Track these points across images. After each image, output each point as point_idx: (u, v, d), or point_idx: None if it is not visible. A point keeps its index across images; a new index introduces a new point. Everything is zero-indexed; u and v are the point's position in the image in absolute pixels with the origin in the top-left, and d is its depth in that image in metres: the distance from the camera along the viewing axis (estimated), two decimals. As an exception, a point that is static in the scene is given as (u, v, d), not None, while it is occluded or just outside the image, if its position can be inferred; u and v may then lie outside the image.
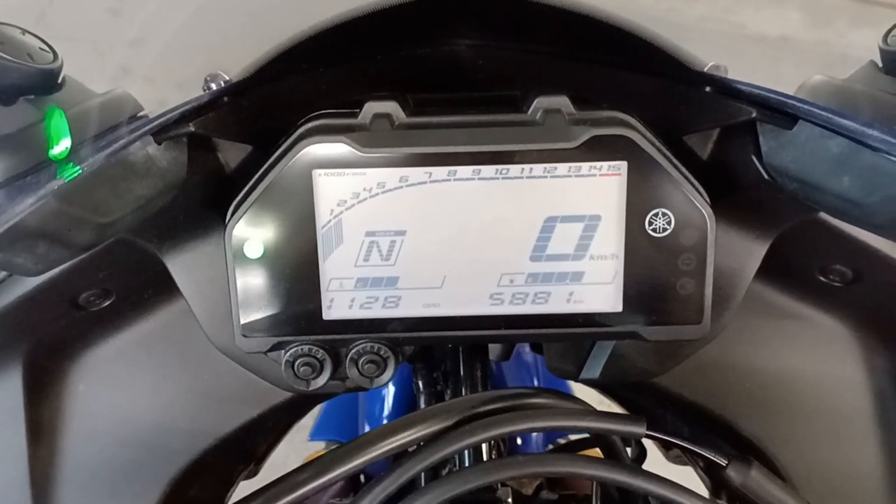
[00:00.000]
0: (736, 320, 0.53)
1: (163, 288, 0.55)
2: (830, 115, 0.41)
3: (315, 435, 1.13)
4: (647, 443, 0.68)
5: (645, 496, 0.58)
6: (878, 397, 0.57)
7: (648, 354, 0.54)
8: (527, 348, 0.99)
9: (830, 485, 0.57)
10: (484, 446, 0.68)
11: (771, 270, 0.54)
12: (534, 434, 0.99)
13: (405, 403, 1.04)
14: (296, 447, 1.08)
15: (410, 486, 0.51)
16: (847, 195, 0.41)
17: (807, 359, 0.58)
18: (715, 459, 0.52)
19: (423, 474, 0.55)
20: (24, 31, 0.44)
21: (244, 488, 0.69)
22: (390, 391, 1.06)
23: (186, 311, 0.54)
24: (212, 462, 0.58)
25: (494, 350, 0.75)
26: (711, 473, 0.60)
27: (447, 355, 0.75)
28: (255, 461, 0.67)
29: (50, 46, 0.44)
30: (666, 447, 0.68)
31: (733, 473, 0.52)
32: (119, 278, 0.55)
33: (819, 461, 0.57)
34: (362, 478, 1.00)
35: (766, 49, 2.72)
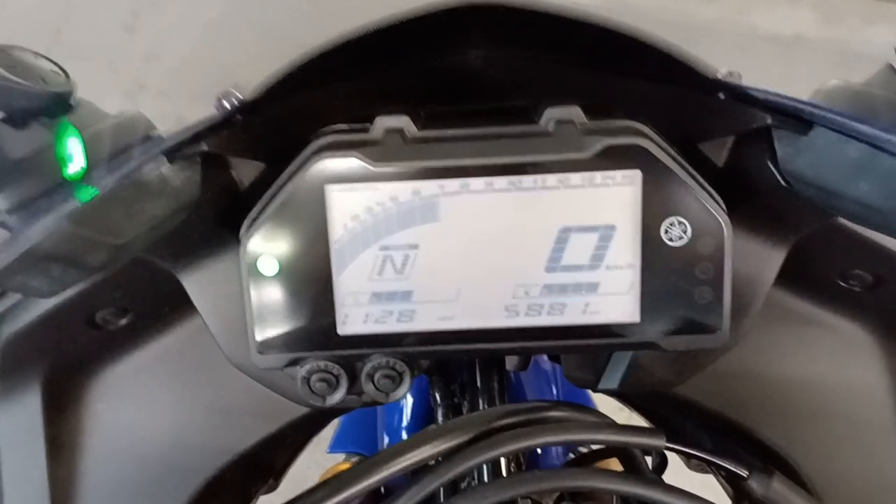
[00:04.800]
0: (755, 328, 0.52)
1: (179, 305, 0.56)
2: (847, 120, 0.41)
3: (334, 447, 1.13)
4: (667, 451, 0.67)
5: None
6: None
7: (667, 364, 0.53)
8: (545, 357, 0.99)
9: (855, 494, 0.56)
10: (503, 460, 0.67)
11: (790, 276, 0.53)
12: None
13: (423, 414, 1.03)
14: (316, 458, 1.08)
15: (430, 501, 0.51)
16: (866, 201, 0.41)
17: (828, 365, 0.57)
18: (736, 471, 0.52)
19: (441, 489, 0.55)
20: (37, 55, 0.44)
21: (264, 503, 0.69)
22: (408, 402, 1.06)
23: (203, 328, 0.54)
24: (230, 478, 0.58)
25: (512, 360, 0.75)
26: (733, 483, 0.59)
27: (464, 367, 0.74)
28: (273, 476, 0.67)
29: (62, 69, 0.44)
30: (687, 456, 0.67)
31: (755, 485, 0.51)
32: (135, 297, 0.55)
33: (843, 469, 0.56)
34: (382, 489, 1.01)
35: (780, 49, 2.71)
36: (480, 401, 0.69)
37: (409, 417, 1.04)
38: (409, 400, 1.05)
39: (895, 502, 0.56)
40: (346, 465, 1.12)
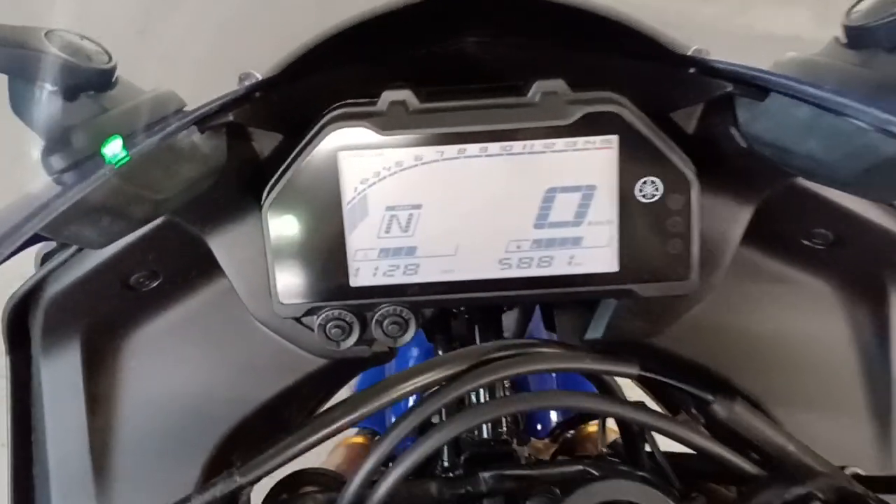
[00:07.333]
0: (728, 283, 0.58)
1: (206, 269, 0.61)
2: (798, 86, 0.46)
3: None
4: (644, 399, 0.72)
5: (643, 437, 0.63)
6: (863, 351, 0.62)
7: (645, 313, 0.58)
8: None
9: (819, 433, 0.61)
10: (497, 387, 0.72)
11: (759, 237, 0.59)
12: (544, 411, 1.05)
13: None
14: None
15: (430, 426, 0.56)
16: (814, 155, 0.46)
17: (796, 318, 0.62)
18: (701, 395, 0.57)
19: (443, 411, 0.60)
20: (83, 37, 0.49)
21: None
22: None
23: (227, 290, 0.60)
24: (252, 428, 0.63)
25: (509, 329, 0.80)
26: (700, 413, 0.64)
27: (465, 329, 0.80)
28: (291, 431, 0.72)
29: (105, 49, 0.50)
30: (658, 398, 0.72)
31: (719, 408, 0.57)
32: (166, 261, 0.60)
33: (811, 412, 0.61)
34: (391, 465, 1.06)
35: (780, 48, 2.74)
36: None
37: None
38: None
39: (856, 440, 0.61)
40: (358, 438, 1.18)
